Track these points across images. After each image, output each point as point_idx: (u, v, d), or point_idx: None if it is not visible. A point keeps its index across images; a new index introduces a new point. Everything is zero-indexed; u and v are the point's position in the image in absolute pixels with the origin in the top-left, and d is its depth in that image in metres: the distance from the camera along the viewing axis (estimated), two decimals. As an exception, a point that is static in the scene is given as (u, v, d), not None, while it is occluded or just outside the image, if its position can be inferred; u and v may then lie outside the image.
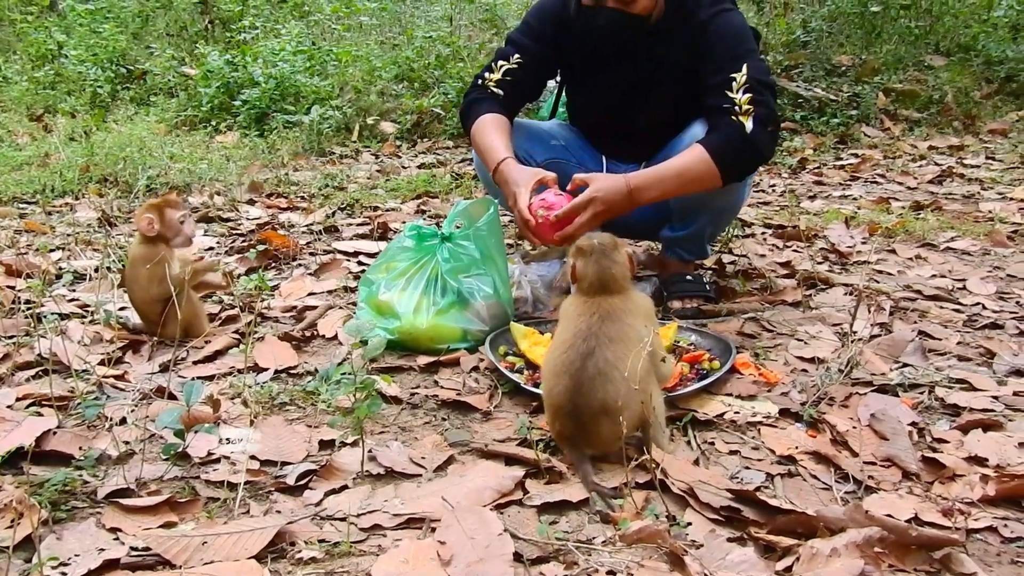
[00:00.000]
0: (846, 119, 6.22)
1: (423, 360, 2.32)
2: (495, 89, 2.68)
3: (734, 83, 2.40)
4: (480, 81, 2.71)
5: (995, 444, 1.78)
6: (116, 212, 4.08)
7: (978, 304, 2.71)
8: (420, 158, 5.74)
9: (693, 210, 2.61)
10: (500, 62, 2.69)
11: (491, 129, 2.59)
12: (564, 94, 3.00)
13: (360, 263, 3.28)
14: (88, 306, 2.71)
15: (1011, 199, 4.30)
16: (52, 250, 3.45)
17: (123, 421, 1.94)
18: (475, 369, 2.28)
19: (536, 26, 2.72)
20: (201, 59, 6.91)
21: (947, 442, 1.82)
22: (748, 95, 2.39)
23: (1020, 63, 6.77)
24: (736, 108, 2.39)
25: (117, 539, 1.48)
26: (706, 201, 2.56)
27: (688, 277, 2.78)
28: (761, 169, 5.23)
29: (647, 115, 2.72)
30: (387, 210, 4.24)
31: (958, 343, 2.39)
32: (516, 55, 2.68)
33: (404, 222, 3.78)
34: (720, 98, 2.42)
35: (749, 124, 2.37)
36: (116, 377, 2.18)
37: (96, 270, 3.07)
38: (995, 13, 7.22)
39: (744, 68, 2.41)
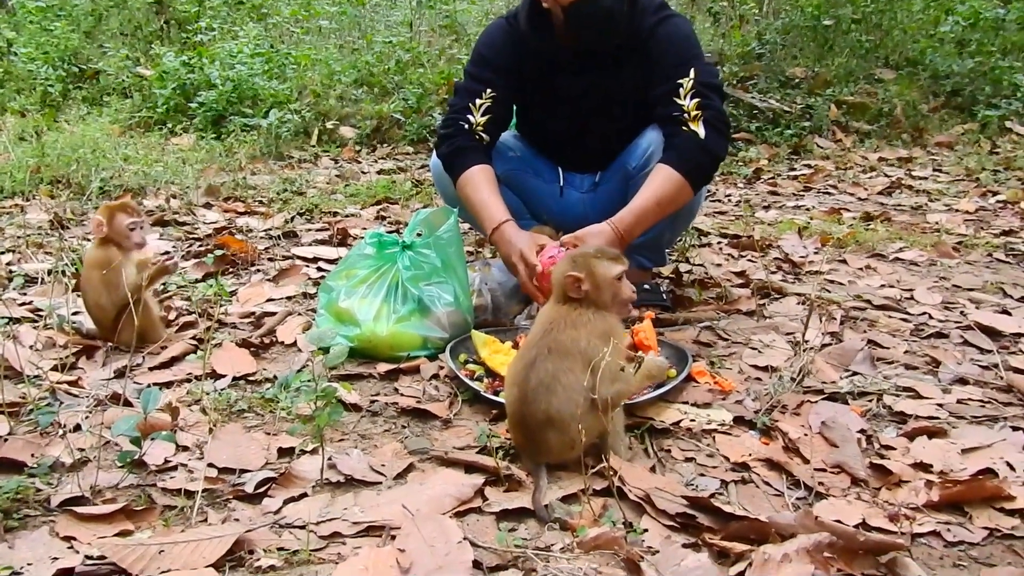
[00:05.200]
0: (799, 130, 6.36)
1: (383, 367, 2.32)
2: (482, 135, 2.65)
3: (681, 89, 2.47)
4: (466, 126, 2.64)
5: (939, 451, 1.84)
6: (68, 214, 4.01)
7: (925, 314, 2.79)
8: (380, 163, 5.73)
9: None
10: (476, 100, 2.64)
11: (484, 185, 2.59)
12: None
13: (320, 269, 3.27)
14: (40, 310, 2.66)
15: (956, 211, 4.43)
16: (2, 253, 3.38)
17: (77, 428, 1.91)
18: (435, 377, 2.29)
19: (493, 56, 2.69)
20: (156, 60, 6.81)
21: (894, 449, 1.87)
22: (696, 100, 2.46)
23: (965, 78, 6.98)
24: (685, 115, 2.45)
25: (71, 548, 1.47)
26: None
27: (645, 286, 2.82)
28: (717, 179, 5.32)
29: (600, 126, 2.75)
30: (347, 216, 4.23)
31: (905, 352, 2.46)
32: (488, 90, 2.64)
33: (364, 228, 3.78)
34: (670, 106, 2.49)
35: (701, 130, 2.44)
36: (70, 383, 2.15)
37: (49, 273, 3.01)
38: (942, 28, 7.43)
39: (691, 73, 2.48)
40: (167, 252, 3.50)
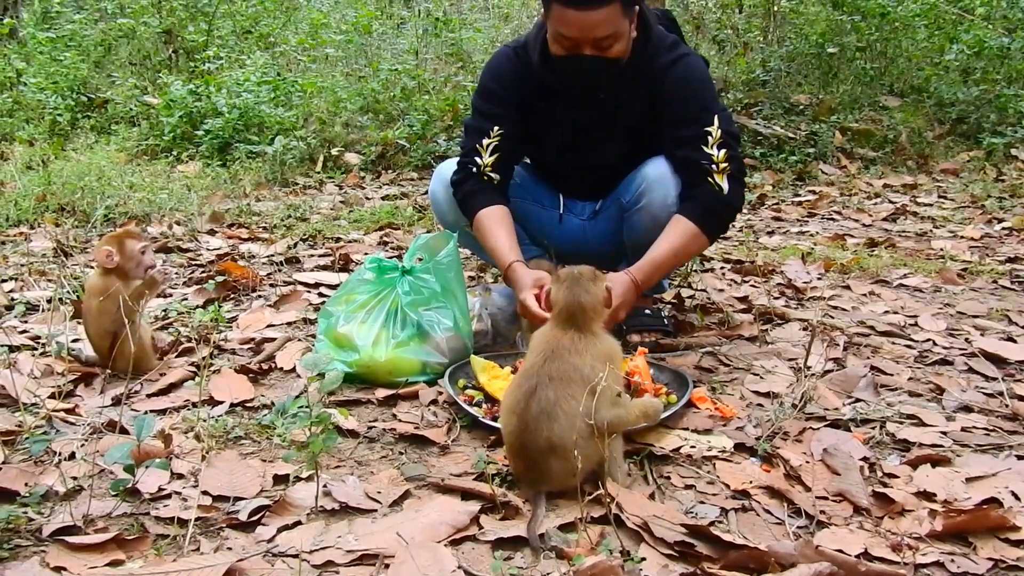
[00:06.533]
0: (804, 157, 6.36)
1: (381, 393, 2.31)
2: (491, 175, 2.64)
3: (710, 138, 2.46)
4: (474, 169, 2.63)
5: (943, 479, 1.81)
6: (72, 242, 4.02)
7: (929, 340, 2.76)
8: (384, 189, 5.75)
9: (647, 247, 2.62)
10: (484, 140, 2.62)
11: (496, 227, 2.58)
12: None
13: (321, 295, 3.26)
14: (40, 338, 2.66)
15: (961, 237, 4.41)
16: (4, 280, 3.38)
17: (72, 456, 1.90)
18: (434, 402, 2.27)
19: (499, 90, 2.67)
20: (164, 88, 6.87)
21: (897, 477, 1.85)
22: (724, 151, 2.46)
23: (970, 105, 6.99)
24: (714, 166, 2.46)
25: (61, 578, 1.45)
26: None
27: (647, 311, 2.80)
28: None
29: (602, 156, 2.73)
30: (349, 241, 4.23)
31: (909, 379, 2.44)
32: (496, 127, 2.62)
33: (366, 254, 3.78)
34: (697, 153, 2.47)
35: (725, 184, 2.46)
36: (66, 411, 2.14)
37: (49, 301, 3.01)
38: (947, 56, 7.46)
39: (716, 120, 2.47)
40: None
